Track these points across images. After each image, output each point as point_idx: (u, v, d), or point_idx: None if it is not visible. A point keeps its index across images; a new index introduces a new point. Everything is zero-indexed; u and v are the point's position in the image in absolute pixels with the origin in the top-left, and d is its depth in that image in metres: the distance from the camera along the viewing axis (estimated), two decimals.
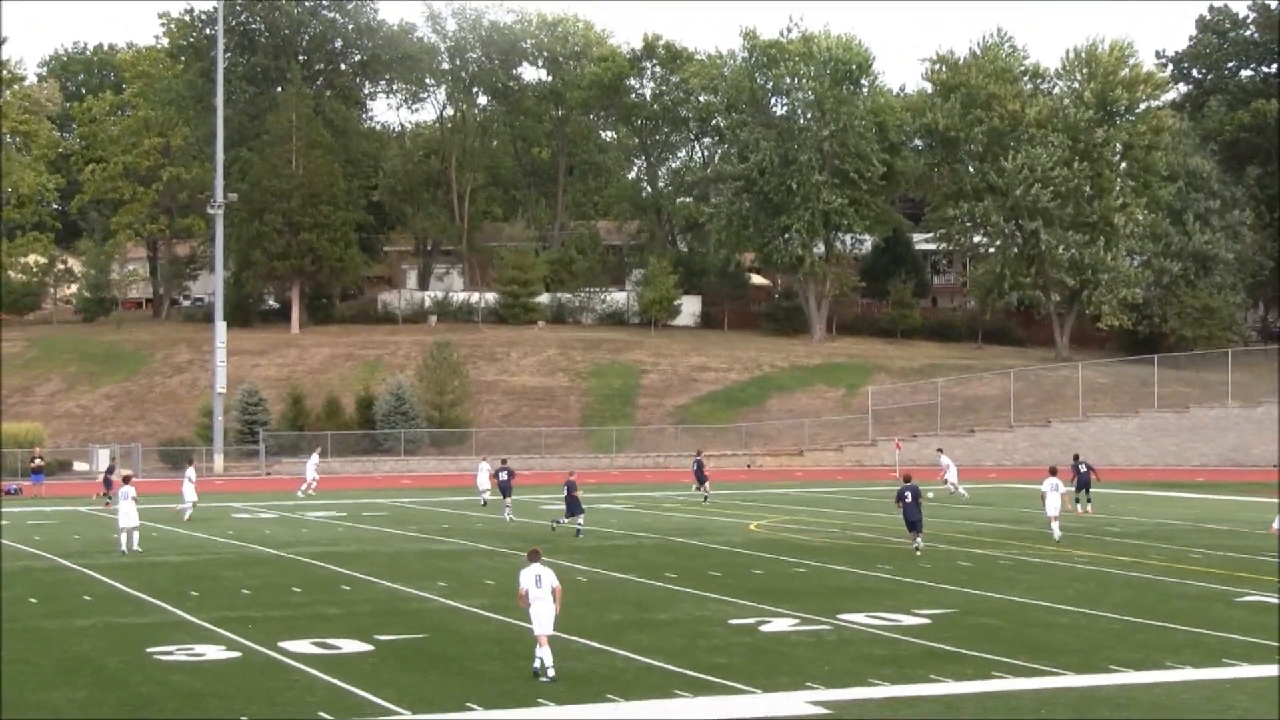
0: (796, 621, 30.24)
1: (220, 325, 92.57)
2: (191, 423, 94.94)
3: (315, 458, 74.46)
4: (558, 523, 50.92)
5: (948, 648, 27.15)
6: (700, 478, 66.58)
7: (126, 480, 47.69)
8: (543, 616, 25.35)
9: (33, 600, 33.95)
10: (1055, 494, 47.42)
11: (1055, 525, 46.88)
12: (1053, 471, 48.77)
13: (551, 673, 24.77)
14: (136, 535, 45.09)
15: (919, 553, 42.83)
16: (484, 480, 63.54)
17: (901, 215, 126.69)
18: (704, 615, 31.22)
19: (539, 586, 25.64)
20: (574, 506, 50.04)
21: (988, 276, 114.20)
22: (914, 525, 43.48)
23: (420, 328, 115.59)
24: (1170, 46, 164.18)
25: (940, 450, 76.29)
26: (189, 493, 57.51)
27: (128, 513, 44.77)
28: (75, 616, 31.49)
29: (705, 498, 64.98)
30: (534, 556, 26.42)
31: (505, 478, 58.28)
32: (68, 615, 31.64)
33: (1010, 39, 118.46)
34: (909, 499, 43.59)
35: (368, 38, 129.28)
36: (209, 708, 22.71)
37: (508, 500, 57.48)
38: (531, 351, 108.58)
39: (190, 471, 59.66)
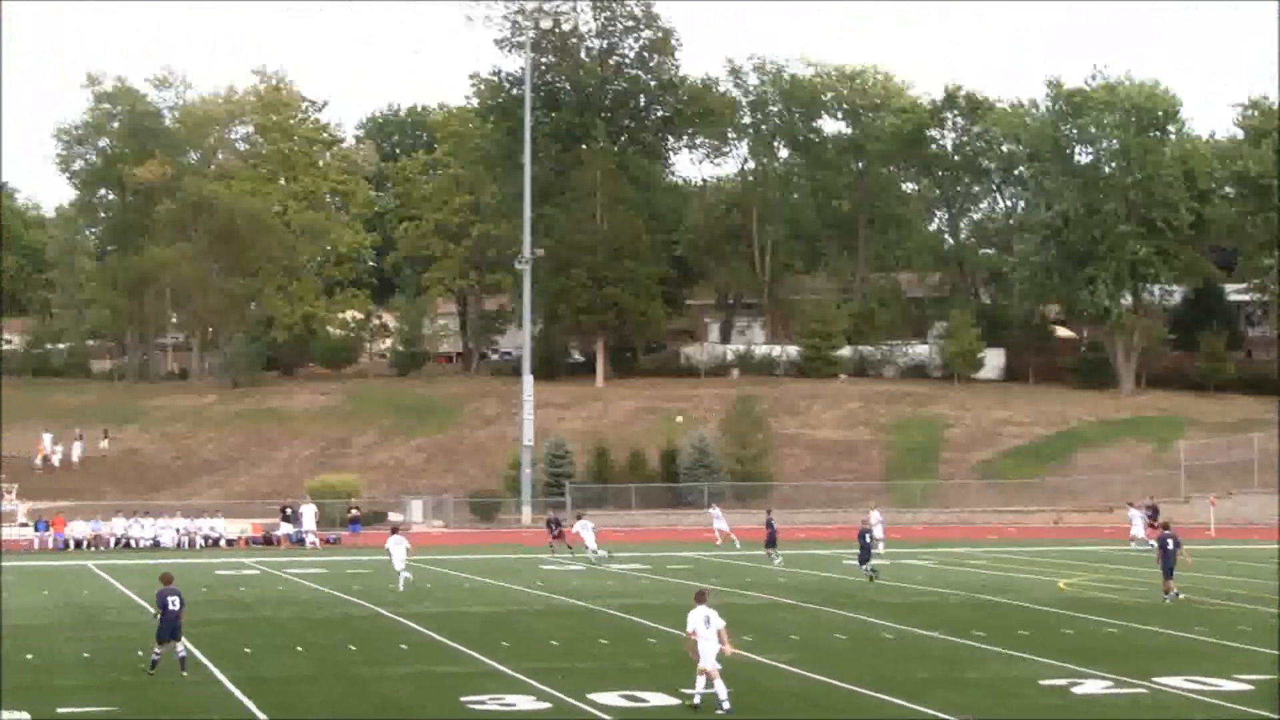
0: (1110, 684, 29.56)
1: (528, 379, 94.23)
2: (499, 474, 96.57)
3: (717, 509, 75.49)
4: (870, 572, 52.24)
5: (1273, 716, 26.28)
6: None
7: (394, 530, 51.74)
8: (709, 654, 27.14)
9: (352, 647, 34.81)
10: None
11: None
12: None
13: (728, 705, 26.24)
14: (403, 577, 49.13)
15: (1168, 599, 44.11)
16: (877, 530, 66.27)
17: (1212, 265, 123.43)
18: (1014, 675, 30.73)
19: (707, 627, 27.42)
20: (865, 553, 52.75)
21: None
22: (1169, 572, 44.89)
23: (722, 380, 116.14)
24: None
25: (1131, 504, 76.58)
26: (721, 524, 66.49)
27: (399, 556, 49.65)
28: (392, 664, 32.23)
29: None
30: (701, 598, 28.19)
31: (771, 530, 59.97)
32: (385, 663, 32.40)
33: None
34: (1170, 545, 44.88)
35: (670, 94, 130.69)
36: None
37: (769, 551, 60.03)
38: (833, 404, 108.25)
39: (716, 510, 64.93)
